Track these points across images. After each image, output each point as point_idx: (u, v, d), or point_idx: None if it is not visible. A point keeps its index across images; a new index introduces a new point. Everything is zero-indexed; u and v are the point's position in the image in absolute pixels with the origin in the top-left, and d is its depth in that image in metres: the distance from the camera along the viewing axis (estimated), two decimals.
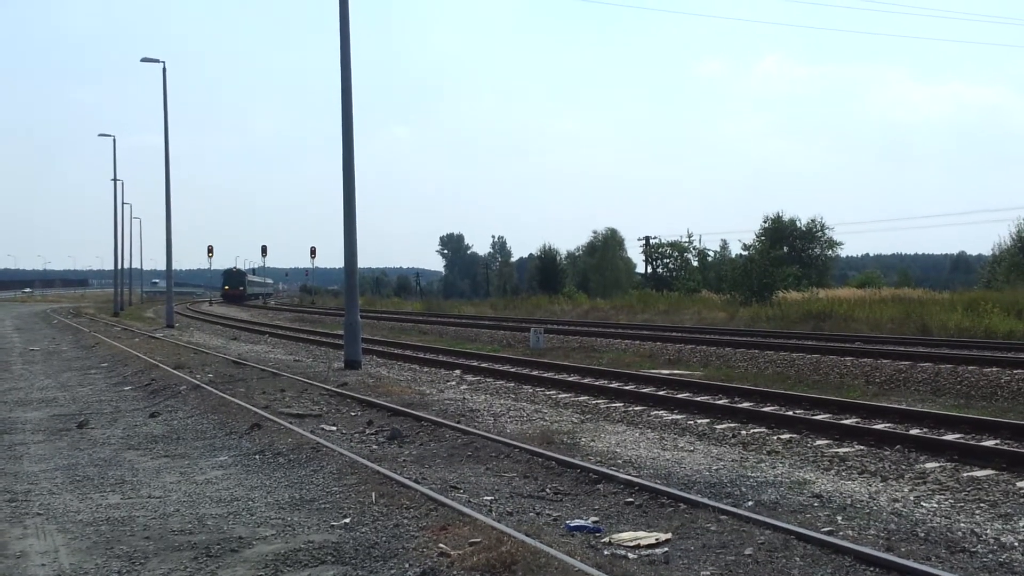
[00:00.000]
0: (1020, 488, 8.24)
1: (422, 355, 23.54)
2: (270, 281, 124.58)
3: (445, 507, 7.22)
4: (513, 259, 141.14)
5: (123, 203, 67.25)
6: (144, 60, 39.85)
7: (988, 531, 6.77)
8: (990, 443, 10.18)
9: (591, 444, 10.41)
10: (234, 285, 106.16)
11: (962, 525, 6.94)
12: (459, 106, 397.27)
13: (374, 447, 10.47)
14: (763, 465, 9.31)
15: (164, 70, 40.09)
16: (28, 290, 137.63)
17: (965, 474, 8.86)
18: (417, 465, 9.28)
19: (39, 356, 26.72)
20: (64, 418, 13.58)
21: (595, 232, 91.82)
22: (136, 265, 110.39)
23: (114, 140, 59.63)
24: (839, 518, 7.09)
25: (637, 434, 11.39)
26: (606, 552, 6.21)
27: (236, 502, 7.93)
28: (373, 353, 23.78)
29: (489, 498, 7.81)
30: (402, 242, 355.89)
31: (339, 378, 17.32)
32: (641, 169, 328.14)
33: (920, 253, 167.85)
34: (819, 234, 72.79)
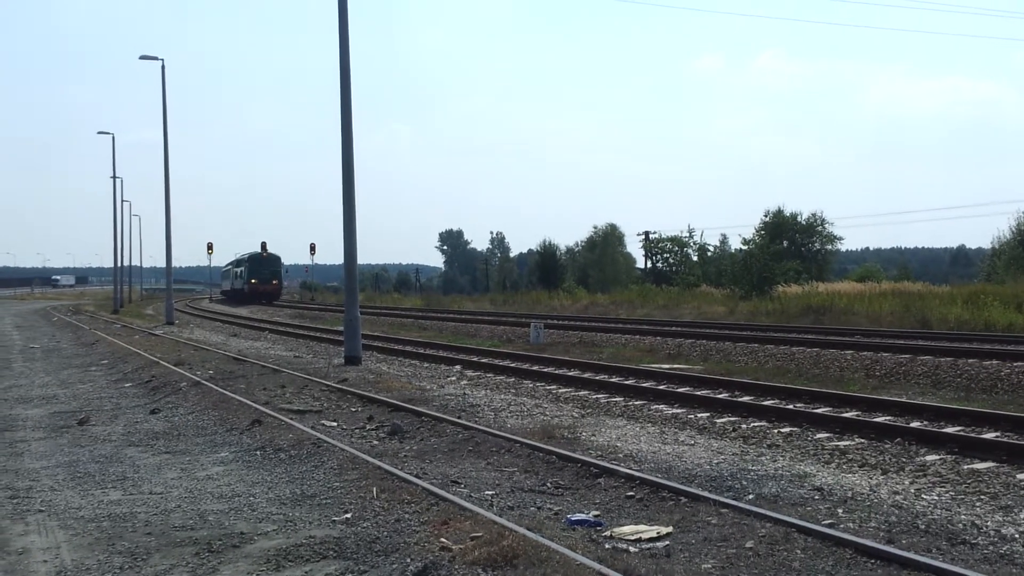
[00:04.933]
0: (1020, 480, 8.24)
1: (422, 351, 23.54)
2: None
3: (446, 502, 7.23)
4: (512, 255, 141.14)
5: (122, 200, 67.36)
6: (143, 58, 39.86)
7: (989, 523, 6.77)
8: (990, 435, 10.18)
9: (592, 438, 10.42)
10: (265, 277, 72.34)
11: (963, 517, 6.94)
12: (458, 103, 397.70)
13: (375, 442, 10.48)
14: (764, 458, 9.31)
15: (163, 68, 40.07)
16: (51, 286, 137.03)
17: (965, 466, 8.87)
18: (418, 460, 9.29)
19: (39, 353, 26.72)
20: (65, 415, 13.59)
21: (595, 227, 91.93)
22: (136, 262, 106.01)
23: (113, 138, 59.72)
24: (840, 511, 7.09)
25: (638, 428, 11.40)
26: (607, 546, 6.22)
27: (237, 498, 7.94)
28: (373, 349, 23.79)
29: (490, 493, 7.82)
30: (402, 238, 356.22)
31: (339, 374, 17.33)
32: (640, 164, 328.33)
33: (920, 247, 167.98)
34: (819, 228, 72.72)
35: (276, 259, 75.19)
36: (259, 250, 74.75)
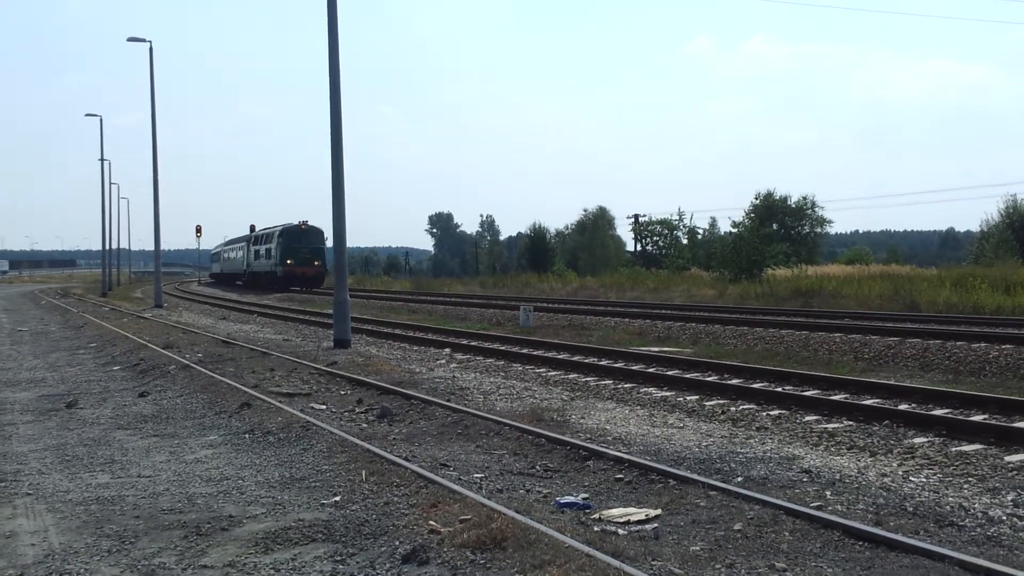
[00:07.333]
0: (1008, 462, 8.28)
1: (411, 334, 23.51)
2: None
3: (435, 484, 7.22)
4: (502, 238, 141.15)
5: (110, 183, 66.94)
6: (131, 40, 39.56)
7: (976, 505, 6.80)
8: (978, 418, 10.22)
9: (581, 421, 10.42)
10: (304, 258, 56.65)
11: (950, 499, 6.97)
12: (447, 85, 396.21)
13: (364, 425, 10.46)
14: (752, 441, 9.33)
15: (151, 49, 39.85)
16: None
17: (953, 449, 8.90)
18: (407, 443, 9.27)
19: (27, 336, 26.60)
20: (53, 398, 13.53)
21: (585, 210, 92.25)
22: (124, 245, 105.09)
23: (101, 120, 59.21)
24: (828, 493, 7.11)
25: (627, 411, 11.41)
26: (596, 528, 6.22)
27: (226, 481, 7.92)
28: (362, 332, 23.74)
29: (479, 475, 7.81)
30: (391, 221, 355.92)
31: (329, 357, 17.29)
32: (631, 148, 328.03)
33: (909, 230, 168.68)
34: (808, 211, 72.93)
35: (319, 234, 57.46)
36: (295, 222, 58.44)
